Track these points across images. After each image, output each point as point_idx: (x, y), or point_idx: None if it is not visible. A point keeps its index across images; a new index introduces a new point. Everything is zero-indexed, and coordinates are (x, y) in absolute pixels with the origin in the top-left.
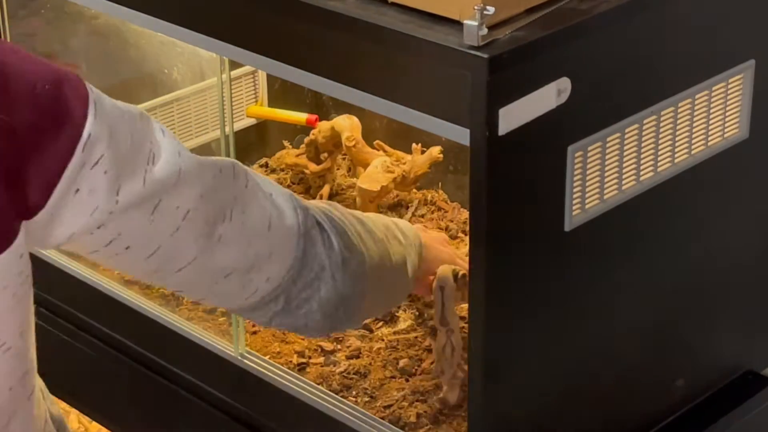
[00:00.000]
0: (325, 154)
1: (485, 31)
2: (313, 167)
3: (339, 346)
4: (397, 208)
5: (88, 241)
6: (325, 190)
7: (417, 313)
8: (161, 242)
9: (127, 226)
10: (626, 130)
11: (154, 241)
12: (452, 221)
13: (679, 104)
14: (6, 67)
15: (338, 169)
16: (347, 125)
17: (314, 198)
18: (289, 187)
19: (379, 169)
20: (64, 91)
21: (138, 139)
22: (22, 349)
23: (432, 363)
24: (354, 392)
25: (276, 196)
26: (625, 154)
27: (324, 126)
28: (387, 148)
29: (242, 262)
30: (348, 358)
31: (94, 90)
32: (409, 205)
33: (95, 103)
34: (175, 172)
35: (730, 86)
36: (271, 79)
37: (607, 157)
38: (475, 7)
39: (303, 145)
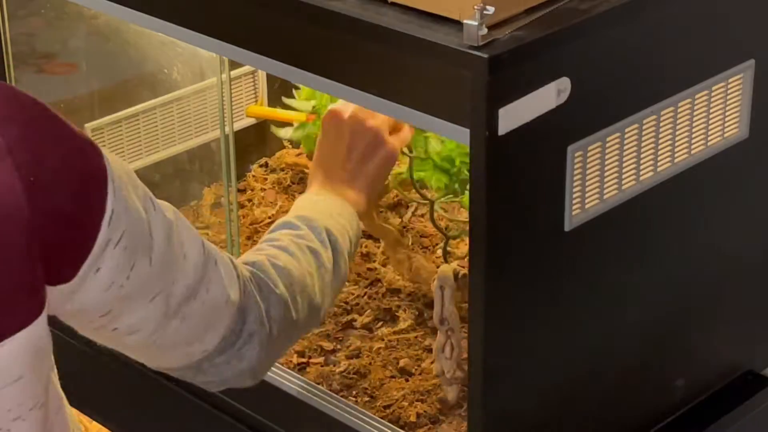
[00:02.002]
0: None
1: (485, 31)
2: None
3: (339, 346)
4: (396, 207)
5: (82, 323)
6: None
7: (417, 313)
8: (146, 325)
9: (125, 311)
10: (626, 130)
11: (141, 324)
12: (452, 221)
13: (679, 104)
14: (45, 137)
15: None
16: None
17: None
18: (289, 187)
19: None
20: (89, 170)
21: (140, 210)
22: (49, 403)
23: (432, 363)
24: (354, 392)
25: (225, 271)
26: (625, 153)
27: None
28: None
29: (193, 335)
30: (348, 357)
31: (108, 160)
32: (409, 205)
33: (112, 180)
34: (166, 256)
35: (730, 86)
36: (271, 79)
37: (607, 157)
38: (475, 7)
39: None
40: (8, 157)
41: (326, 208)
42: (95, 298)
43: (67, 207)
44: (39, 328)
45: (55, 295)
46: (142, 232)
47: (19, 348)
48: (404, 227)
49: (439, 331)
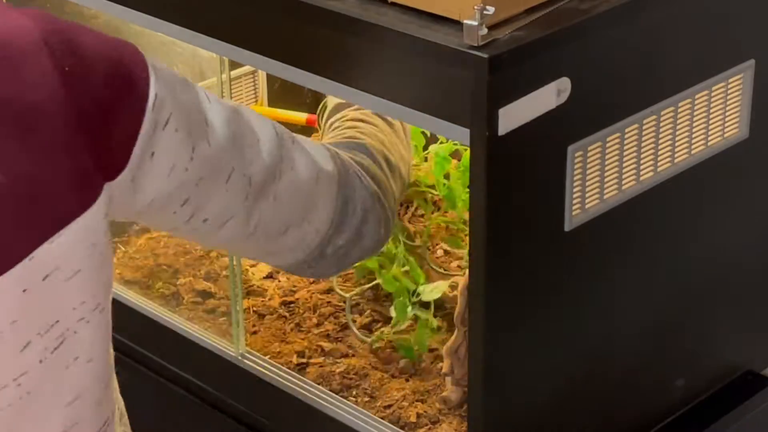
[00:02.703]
0: None
1: (485, 31)
2: None
3: (339, 346)
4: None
5: (170, 218)
6: None
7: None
8: (235, 211)
9: (206, 198)
10: (626, 130)
11: (229, 211)
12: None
13: (679, 104)
14: (79, 33)
15: None
16: None
17: None
18: None
19: None
20: (124, 55)
21: (194, 102)
22: (109, 312)
23: (432, 363)
24: (354, 392)
25: (314, 150)
26: (625, 154)
27: None
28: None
29: (296, 216)
30: (347, 358)
31: (149, 56)
32: (409, 204)
33: (153, 67)
34: (230, 137)
35: (730, 86)
36: (271, 79)
37: (607, 157)
38: (475, 7)
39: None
40: (45, 49)
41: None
42: (162, 185)
43: (105, 93)
44: (93, 222)
45: (120, 189)
46: (195, 115)
47: (75, 238)
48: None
49: (457, 330)
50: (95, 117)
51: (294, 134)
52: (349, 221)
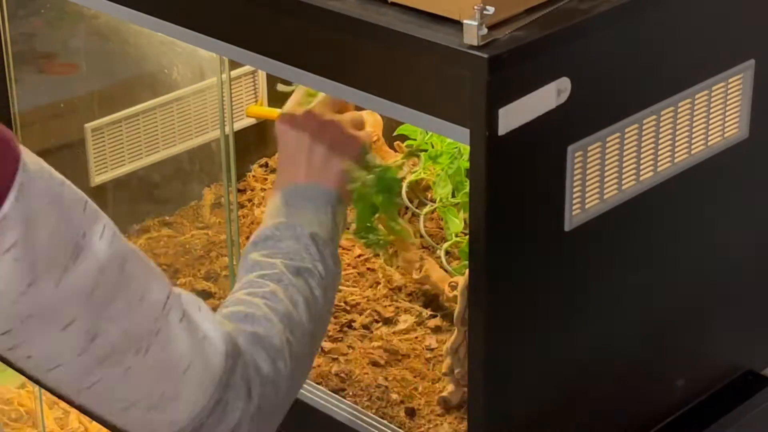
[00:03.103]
0: None
1: (485, 31)
2: None
3: (339, 346)
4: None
5: None
6: None
7: (416, 314)
8: (63, 361)
9: (32, 337)
10: (626, 130)
11: (56, 358)
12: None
13: (679, 104)
14: None
15: None
16: (370, 121)
17: None
18: None
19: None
20: None
21: (60, 238)
22: None
23: (432, 362)
24: (354, 392)
25: (211, 338)
26: (625, 154)
27: None
28: (402, 148)
29: (145, 399)
30: (347, 357)
31: (29, 168)
32: (408, 205)
33: (22, 185)
34: (89, 288)
35: (730, 86)
36: (271, 79)
37: (607, 157)
38: (475, 7)
39: None
40: None
41: (301, 203)
42: None
43: None
44: None
45: None
46: (53, 253)
47: None
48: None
49: (457, 331)
50: None
51: (190, 308)
52: (216, 425)
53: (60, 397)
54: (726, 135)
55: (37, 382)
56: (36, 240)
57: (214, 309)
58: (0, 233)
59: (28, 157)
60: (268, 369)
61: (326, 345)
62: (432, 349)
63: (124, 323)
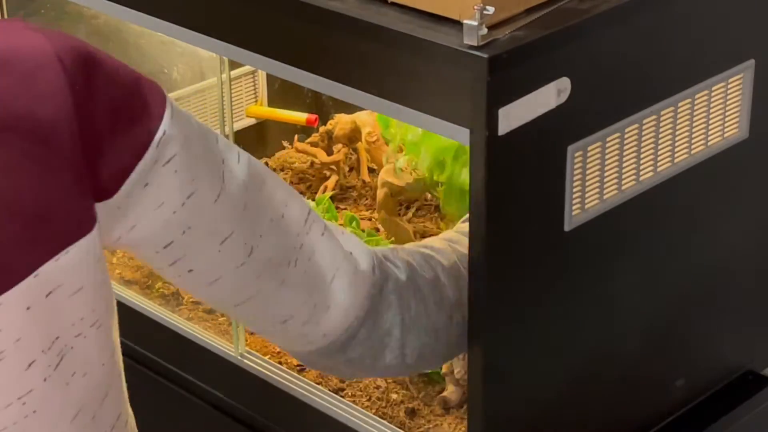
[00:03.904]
0: (339, 146)
1: (485, 31)
2: (323, 157)
3: None
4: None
5: (153, 258)
6: (331, 181)
7: None
8: (223, 273)
9: (194, 250)
10: (626, 130)
11: (216, 271)
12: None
13: (679, 104)
14: (95, 54)
15: (343, 165)
16: (369, 121)
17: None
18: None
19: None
20: (143, 87)
21: (211, 157)
22: (109, 328)
23: None
24: (353, 392)
25: (355, 252)
26: (624, 154)
27: (344, 119)
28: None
29: (300, 311)
30: None
31: (171, 100)
32: (410, 205)
33: (173, 108)
34: (241, 204)
35: (730, 86)
36: (271, 79)
37: (607, 157)
38: (475, 7)
39: (316, 134)
40: (57, 64)
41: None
42: (146, 218)
43: (113, 118)
44: (96, 240)
45: (105, 213)
46: (207, 169)
47: (79, 256)
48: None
49: None
50: (98, 139)
51: (332, 226)
52: (373, 337)
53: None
54: (726, 135)
55: (191, 293)
56: (192, 156)
57: (214, 309)
58: (162, 146)
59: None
60: (423, 290)
61: None
62: None
63: (272, 238)
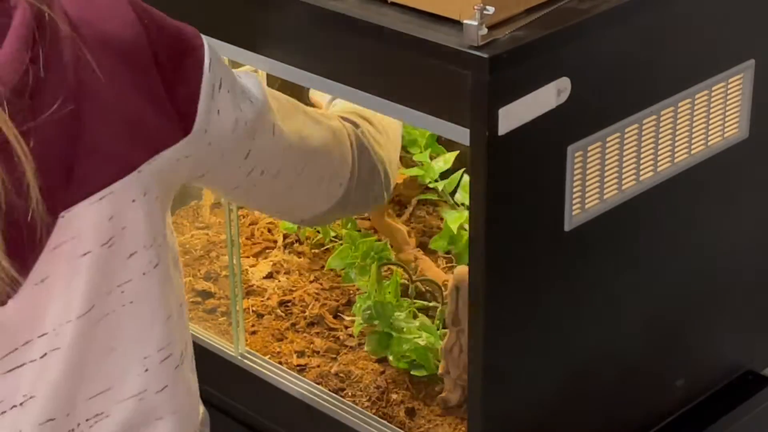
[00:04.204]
0: None
1: (485, 31)
2: None
3: (338, 346)
4: (394, 206)
5: (235, 173)
6: None
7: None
8: (283, 161)
9: (262, 150)
10: (626, 130)
11: (277, 160)
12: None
13: (679, 104)
14: (146, 5)
15: None
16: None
17: None
18: None
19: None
20: (184, 27)
21: (232, 71)
22: (173, 246)
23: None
24: (353, 392)
25: (324, 114)
26: (624, 154)
27: None
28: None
29: (327, 169)
30: (346, 357)
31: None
32: (407, 204)
33: (204, 38)
34: (264, 98)
35: (730, 86)
36: (271, 79)
37: (606, 157)
38: (475, 7)
39: None
40: (128, 4)
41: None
42: (230, 139)
43: (173, 52)
44: (170, 163)
45: (197, 144)
46: (236, 81)
47: (161, 167)
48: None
49: (449, 331)
50: (168, 70)
51: (309, 109)
52: (363, 176)
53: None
54: (726, 135)
55: (253, 204)
56: (227, 73)
57: (214, 309)
58: (213, 72)
59: None
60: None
61: (325, 345)
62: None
63: (290, 121)
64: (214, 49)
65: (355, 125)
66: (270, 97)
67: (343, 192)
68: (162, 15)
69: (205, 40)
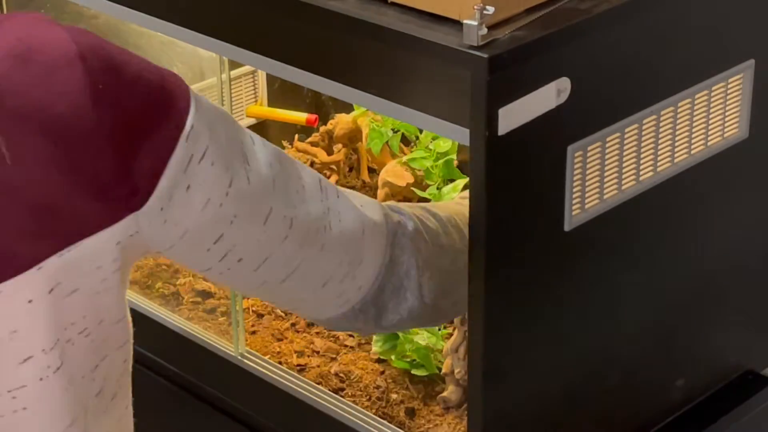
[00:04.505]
0: (339, 146)
1: (485, 30)
2: (323, 156)
3: (338, 346)
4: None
5: (204, 256)
6: (332, 181)
7: None
8: (271, 252)
9: (242, 237)
10: (626, 130)
11: (264, 251)
12: None
13: (679, 104)
14: (119, 54)
15: (344, 164)
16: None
17: None
18: None
19: (401, 166)
20: (167, 83)
21: (233, 140)
22: (98, 338)
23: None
24: (353, 392)
25: (365, 206)
26: (624, 153)
27: (344, 118)
28: (405, 150)
29: (339, 270)
30: (345, 356)
31: (193, 90)
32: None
33: (196, 99)
34: (270, 178)
35: (730, 86)
36: (271, 79)
37: (606, 156)
38: (475, 7)
39: (316, 134)
40: (79, 63)
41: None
42: (196, 219)
43: (139, 117)
44: (106, 245)
45: (150, 220)
46: (235, 152)
47: (82, 256)
48: None
49: (457, 330)
50: (125, 139)
51: (339, 188)
52: (394, 281)
53: (259, 296)
54: (726, 135)
55: (239, 290)
56: (220, 143)
57: (214, 309)
58: (193, 142)
59: None
60: (430, 234)
61: (325, 345)
62: (431, 349)
63: (304, 206)
64: (206, 112)
65: (405, 221)
66: (284, 175)
67: (361, 297)
68: (137, 70)
69: (195, 102)
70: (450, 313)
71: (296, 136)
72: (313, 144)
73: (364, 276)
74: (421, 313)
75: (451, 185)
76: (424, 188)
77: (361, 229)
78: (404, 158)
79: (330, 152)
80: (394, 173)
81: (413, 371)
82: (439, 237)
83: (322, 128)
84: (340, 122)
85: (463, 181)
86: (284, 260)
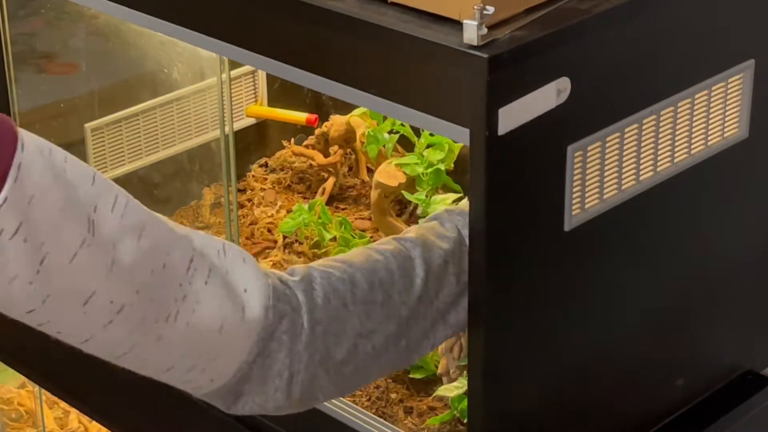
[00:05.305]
0: (335, 147)
1: (485, 30)
2: (320, 159)
3: None
4: (395, 205)
5: (23, 318)
6: (329, 183)
7: None
8: (93, 333)
9: (57, 314)
10: (626, 130)
11: (85, 331)
12: None
13: (679, 104)
14: None
15: (341, 165)
16: (363, 122)
17: (316, 193)
18: (289, 186)
19: (394, 167)
20: None
21: (72, 207)
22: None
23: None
24: (353, 392)
25: (251, 290)
26: (624, 153)
27: (338, 120)
28: (401, 150)
29: (182, 362)
30: None
31: (28, 148)
32: (408, 204)
33: (21, 165)
34: (108, 260)
35: (729, 86)
36: (271, 79)
37: (606, 156)
38: (475, 7)
39: (312, 137)
40: None
41: None
42: (6, 292)
43: None
44: None
45: None
46: (65, 227)
47: None
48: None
49: None
50: None
51: (224, 264)
52: (263, 375)
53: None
54: (726, 135)
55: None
56: (42, 218)
57: None
58: (3, 218)
59: (27, 137)
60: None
61: None
62: None
63: (149, 292)
64: (33, 183)
65: (295, 316)
66: (142, 252)
67: (215, 388)
68: None
69: (17, 170)
70: (349, 385)
71: (292, 139)
72: (309, 147)
73: (217, 371)
74: (290, 405)
75: (440, 197)
76: (414, 191)
77: (219, 325)
78: (396, 161)
79: (327, 154)
80: (387, 174)
81: (411, 375)
82: (355, 301)
83: (318, 131)
84: (335, 124)
85: (453, 196)
86: (113, 342)
